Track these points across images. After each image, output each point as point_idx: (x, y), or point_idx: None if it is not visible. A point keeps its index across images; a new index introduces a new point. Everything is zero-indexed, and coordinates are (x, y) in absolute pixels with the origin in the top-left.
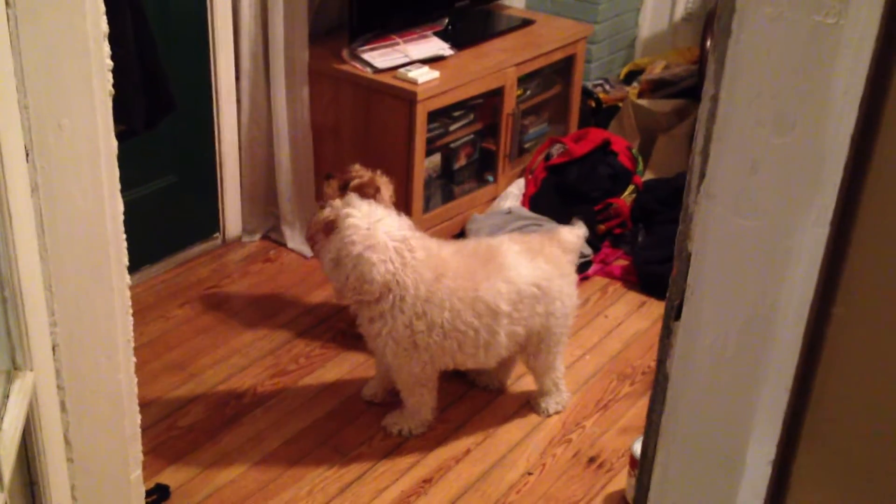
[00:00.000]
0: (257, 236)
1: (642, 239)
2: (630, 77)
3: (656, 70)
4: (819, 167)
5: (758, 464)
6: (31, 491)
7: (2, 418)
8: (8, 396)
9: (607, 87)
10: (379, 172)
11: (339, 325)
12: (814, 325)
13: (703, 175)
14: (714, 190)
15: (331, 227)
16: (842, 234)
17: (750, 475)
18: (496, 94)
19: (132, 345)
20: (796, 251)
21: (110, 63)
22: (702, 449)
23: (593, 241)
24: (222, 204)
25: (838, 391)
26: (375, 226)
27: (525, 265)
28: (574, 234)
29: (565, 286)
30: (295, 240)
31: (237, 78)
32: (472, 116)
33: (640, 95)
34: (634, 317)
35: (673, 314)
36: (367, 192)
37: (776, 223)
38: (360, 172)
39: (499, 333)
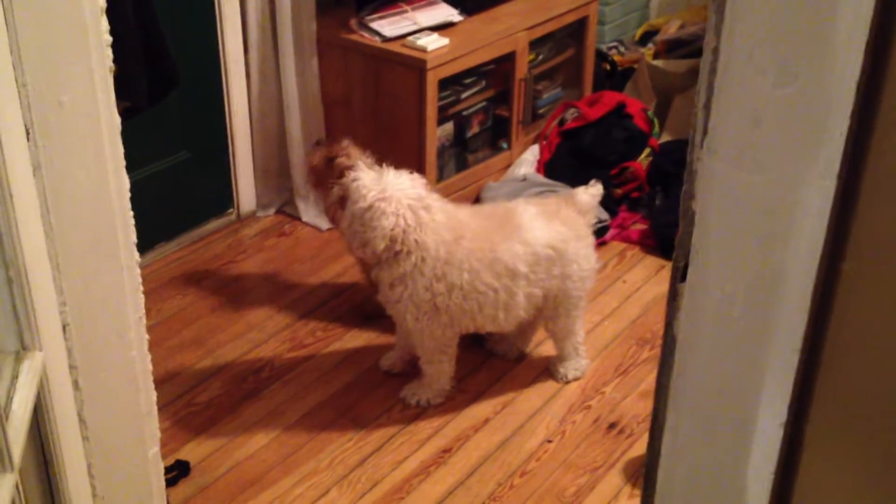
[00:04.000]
0: (272, 210)
1: (660, 202)
2: (645, 38)
3: (671, 30)
4: (824, 117)
5: (769, 426)
6: (47, 471)
7: (11, 399)
8: (17, 377)
9: (622, 49)
10: (367, 153)
11: (356, 298)
12: (823, 282)
13: (705, 131)
14: (716, 145)
15: (344, 202)
16: (850, 186)
17: (761, 438)
18: (508, 60)
19: (144, 322)
20: (803, 206)
21: (109, 38)
22: (712, 412)
23: (610, 205)
24: (235, 179)
25: (850, 349)
26: (386, 184)
27: (541, 227)
28: (589, 195)
29: (582, 248)
30: (309, 213)
31: (245, 51)
32: (483, 83)
33: (655, 56)
34: (653, 281)
35: (678, 276)
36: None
37: (781, 177)
38: (348, 151)
39: (517, 295)
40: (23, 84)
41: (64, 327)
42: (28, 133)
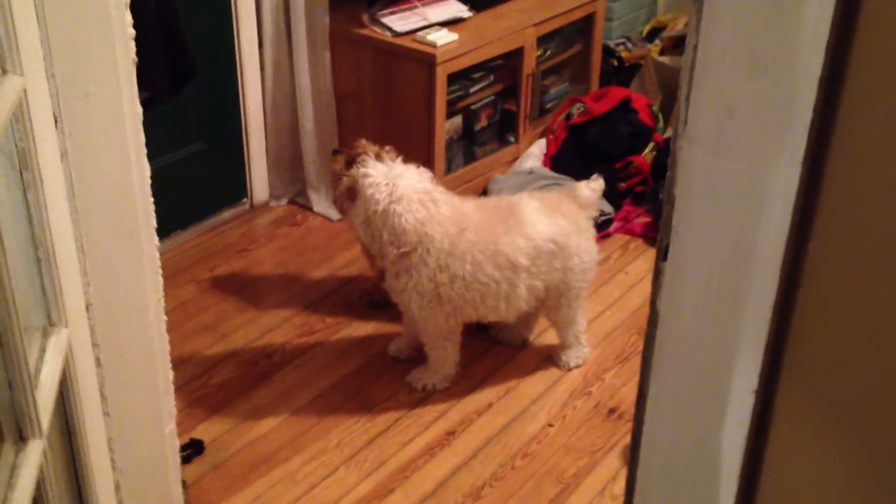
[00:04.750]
0: (284, 201)
1: (663, 196)
2: (652, 34)
3: (678, 27)
4: (790, 109)
5: (742, 393)
6: (69, 443)
7: (39, 371)
8: (45, 351)
9: (629, 45)
10: (386, 148)
11: (365, 286)
12: (791, 260)
13: (686, 121)
14: (694, 133)
15: (353, 193)
16: (814, 172)
17: (735, 404)
18: (516, 55)
19: (163, 304)
20: (772, 190)
21: (132, 32)
22: (690, 381)
23: (614, 198)
24: (249, 170)
25: (816, 322)
26: (396, 180)
27: (543, 221)
28: (590, 189)
29: (583, 242)
30: (320, 203)
31: (260, 45)
32: (492, 78)
33: (661, 53)
34: None
35: (661, 255)
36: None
37: (752, 164)
38: (366, 148)
39: (518, 287)
40: (52, 75)
41: (88, 306)
42: (56, 121)
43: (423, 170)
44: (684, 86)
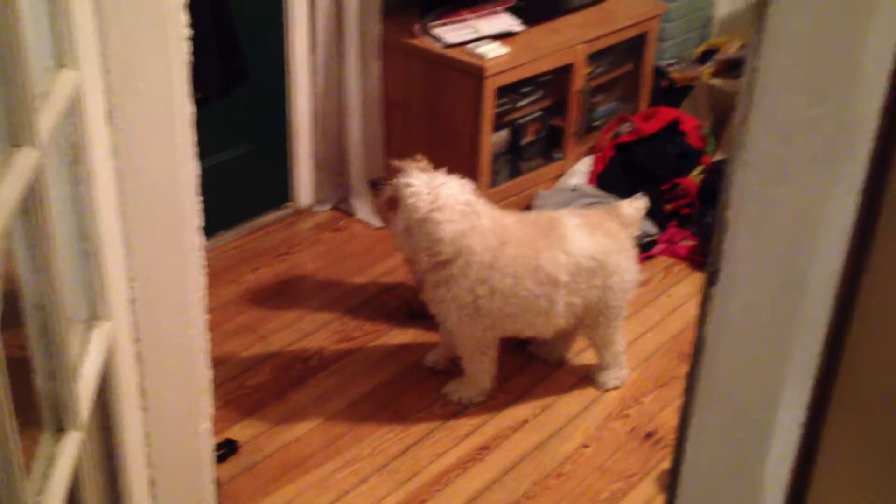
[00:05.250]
0: (327, 206)
1: (710, 219)
2: (705, 56)
3: (731, 50)
4: (850, 138)
5: (788, 426)
6: (107, 437)
7: (81, 363)
8: (87, 344)
9: (681, 66)
10: (418, 157)
11: (405, 295)
12: (844, 292)
13: (741, 145)
14: (749, 158)
15: (395, 203)
16: (872, 202)
17: (780, 437)
18: (565, 71)
19: (205, 303)
20: (827, 220)
21: (188, 31)
22: (734, 410)
23: (659, 220)
24: (295, 174)
25: (868, 357)
26: (437, 190)
27: (584, 238)
28: (633, 208)
29: (623, 261)
30: (364, 210)
31: (311, 50)
32: (540, 93)
33: (714, 75)
34: (698, 297)
35: (711, 280)
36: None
37: (808, 192)
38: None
39: (557, 303)
40: (106, 70)
41: (131, 301)
42: (108, 118)
43: (465, 181)
44: (741, 109)
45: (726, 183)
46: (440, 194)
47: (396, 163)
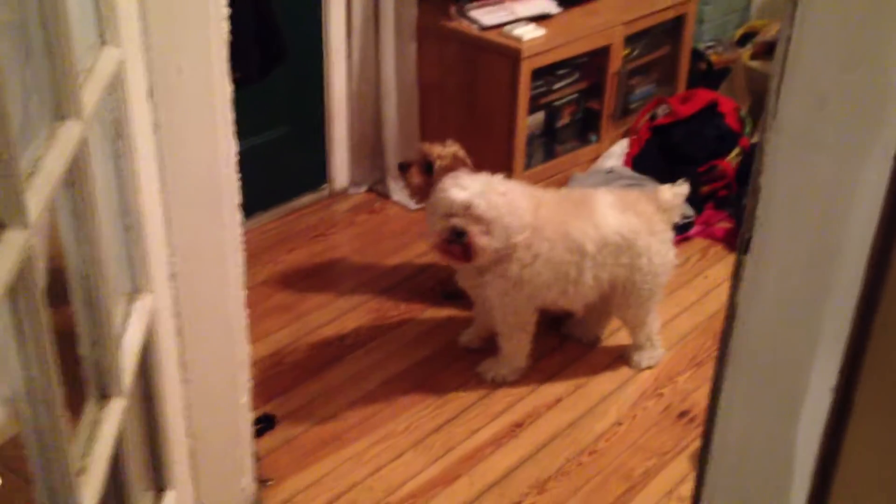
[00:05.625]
0: (363, 188)
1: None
2: (744, 39)
3: (771, 32)
4: (883, 103)
5: (820, 390)
6: (149, 408)
7: (124, 334)
8: (129, 315)
9: (719, 48)
10: (450, 142)
11: (439, 275)
12: (877, 257)
13: (775, 112)
14: (784, 125)
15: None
16: None
17: (812, 402)
18: (602, 53)
19: (243, 278)
20: (861, 184)
21: (227, 11)
22: (766, 376)
23: (696, 202)
24: (331, 156)
25: None
26: (506, 195)
27: (613, 215)
28: (672, 193)
29: (654, 243)
30: (399, 192)
31: (348, 34)
32: (576, 75)
33: (753, 58)
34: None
35: (743, 247)
36: (455, 167)
37: (842, 157)
38: (440, 151)
39: (585, 273)
40: (147, 49)
41: (172, 276)
42: (150, 95)
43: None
44: (776, 77)
45: (759, 150)
46: (510, 200)
47: (426, 146)
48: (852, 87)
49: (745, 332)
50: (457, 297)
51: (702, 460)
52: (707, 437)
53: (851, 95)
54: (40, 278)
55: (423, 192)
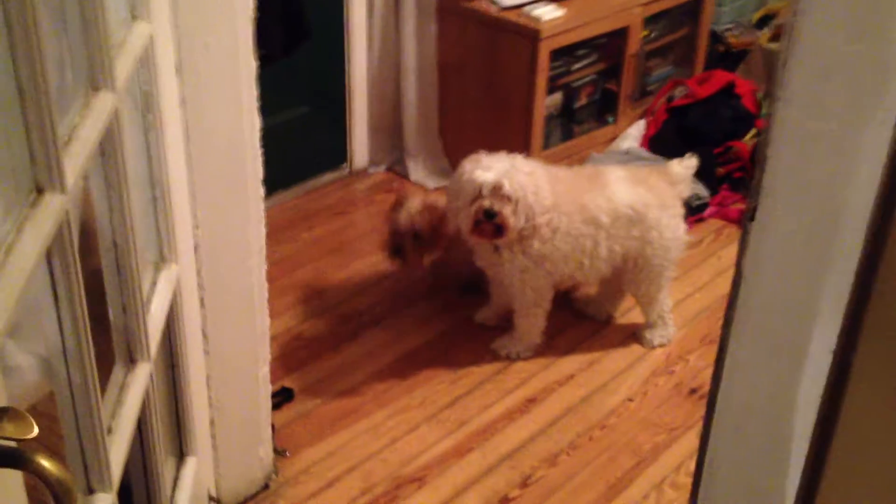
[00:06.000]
0: (382, 167)
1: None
2: (762, 22)
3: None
4: (886, 73)
5: (820, 352)
6: (172, 377)
7: (150, 301)
8: (156, 283)
9: (737, 31)
10: (406, 193)
11: (457, 269)
12: (877, 225)
13: (783, 83)
14: (789, 95)
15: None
16: None
17: (812, 363)
18: (621, 35)
19: (264, 252)
20: (863, 151)
21: None
22: (769, 338)
23: (711, 183)
24: (351, 136)
25: None
26: (532, 176)
27: (625, 189)
28: (683, 167)
29: (665, 217)
30: (418, 172)
31: (369, 14)
32: (595, 56)
33: (771, 40)
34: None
35: (749, 216)
36: (432, 214)
37: (845, 125)
38: (411, 213)
39: (600, 245)
40: (175, 25)
41: (196, 248)
42: (177, 70)
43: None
44: (784, 50)
45: (767, 122)
46: (535, 180)
47: (398, 220)
48: (856, 58)
49: (749, 296)
50: (475, 289)
51: (706, 422)
52: (711, 398)
53: (855, 66)
54: (75, 242)
55: (430, 254)
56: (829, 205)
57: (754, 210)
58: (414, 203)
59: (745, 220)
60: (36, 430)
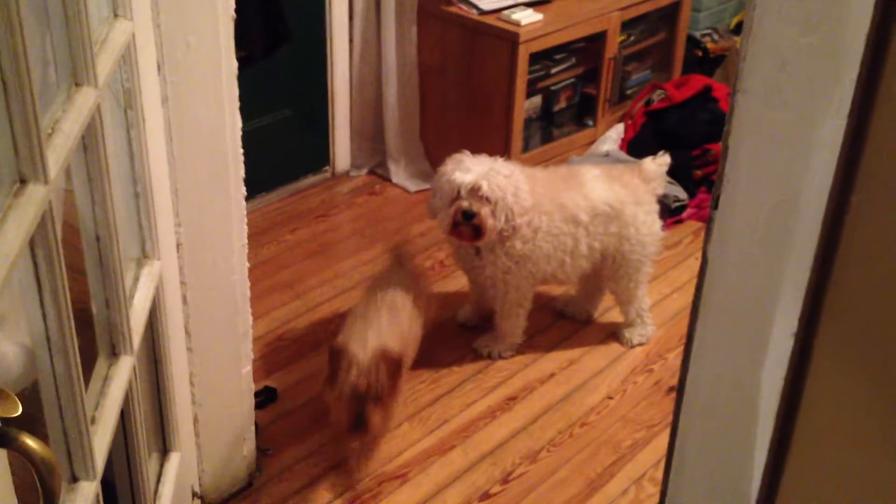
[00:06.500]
0: (364, 170)
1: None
2: (740, 27)
3: None
4: (838, 64)
5: (782, 336)
6: (156, 370)
7: (133, 296)
8: (138, 279)
9: (715, 36)
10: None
11: (437, 255)
12: (834, 209)
13: (742, 75)
14: (748, 86)
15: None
16: (860, 126)
17: (775, 346)
18: (599, 39)
19: (246, 250)
20: (819, 140)
21: None
22: (733, 323)
23: (689, 186)
24: (332, 139)
25: (856, 272)
26: (511, 178)
27: (601, 187)
28: (656, 164)
29: (640, 213)
30: (399, 175)
31: (350, 17)
32: (573, 60)
33: None
34: None
35: (714, 205)
36: (386, 361)
37: (801, 115)
38: (360, 370)
39: (580, 242)
40: (157, 24)
41: (178, 246)
42: (159, 68)
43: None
44: (743, 43)
45: (729, 114)
46: (514, 182)
47: (349, 382)
48: (810, 49)
49: (714, 282)
50: (471, 326)
51: (676, 407)
52: (680, 383)
53: (809, 57)
54: (58, 232)
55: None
56: (787, 192)
57: (718, 198)
58: (362, 356)
59: (711, 208)
60: (20, 409)
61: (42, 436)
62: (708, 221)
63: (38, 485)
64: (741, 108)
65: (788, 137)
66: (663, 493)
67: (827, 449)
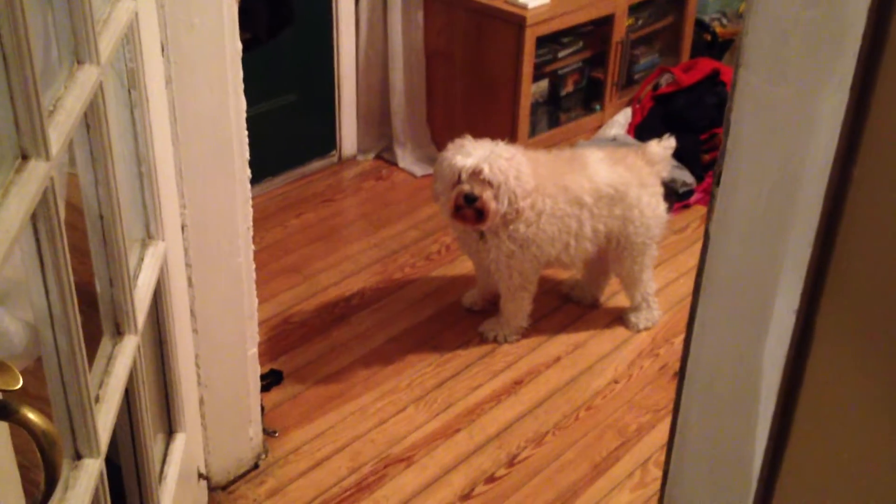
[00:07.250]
0: (371, 155)
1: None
2: None
3: None
4: (840, 37)
5: (784, 313)
6: (161, 351)
7: (137, 276)
8: (143, 260)
9: (724, 20)
10: None
11: (443, 239)
12: (836, 185)
13: (744, 50)
14: (750, 61)
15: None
16: (861, 100)
17: (777, 324)
18: (606, 22)
19: (251, 233)
20: (820, 114)
21: None
22: (735, 300)
23: (697, 170)
24: (339, 123)
25: (858, 247)
26: (513, 161)
27: (605, 169)
28: (661, 147)
29: (645, 196)
30: (406, 159)
31: (356, 1)
32: (581, 44)
33: None
34: None
35: (716, 181)
36: None
37: (803, 89)
38: None
39: (584, 225)
40: (161, 5)
41: (182, 227)
42: (163, 49)
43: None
44: (746, 17)
45: (731, 90)
46: (516, 165)
47: None
48: (812, 22)
49: (716, 259)
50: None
51: (678, 386)
52: (682, 363)
53: (811, 31)
54: (60, 208)
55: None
56: (789, 167)
57: (720, 175)
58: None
59: (713, 186)
60: (20, 382)
61: (49, 416)
62: (710, 199)
63: (40, 457)
64: (742, 84)
65: (790, 112)
66: (665, 472)
67: (830, 426)
